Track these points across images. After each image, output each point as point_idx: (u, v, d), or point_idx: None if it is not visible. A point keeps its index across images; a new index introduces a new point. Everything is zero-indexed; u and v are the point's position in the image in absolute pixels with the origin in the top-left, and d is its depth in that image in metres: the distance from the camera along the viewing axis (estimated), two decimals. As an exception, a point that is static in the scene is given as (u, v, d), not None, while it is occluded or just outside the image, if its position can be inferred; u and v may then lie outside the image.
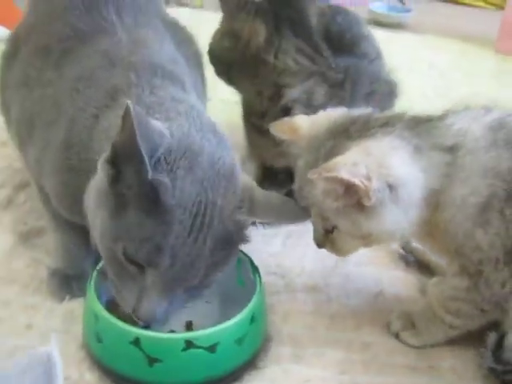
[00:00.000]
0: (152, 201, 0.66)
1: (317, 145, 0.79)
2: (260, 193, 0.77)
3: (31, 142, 0.90)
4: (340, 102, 1.07)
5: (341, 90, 1.07)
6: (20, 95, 0.94)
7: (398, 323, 0.87)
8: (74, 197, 0.81)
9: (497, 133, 0.77)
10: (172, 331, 0.82)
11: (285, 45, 1.04)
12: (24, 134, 0.92)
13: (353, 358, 0.82)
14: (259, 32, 1.03)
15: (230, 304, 0.85)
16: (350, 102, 1.08)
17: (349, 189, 0.72)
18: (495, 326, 0.80)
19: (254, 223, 0.79)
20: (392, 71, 1.19)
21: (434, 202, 0.76)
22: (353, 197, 0.73)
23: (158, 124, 0.70)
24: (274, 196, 0.79)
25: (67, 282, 0.90)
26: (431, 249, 0.83)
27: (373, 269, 0.98)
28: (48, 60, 0.90)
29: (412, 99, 1.63)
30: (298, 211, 0.79)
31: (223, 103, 1.22)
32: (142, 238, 0.67)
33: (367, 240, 0.79)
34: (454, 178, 0.75)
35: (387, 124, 0.78)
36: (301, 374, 0.79)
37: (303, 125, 0.83)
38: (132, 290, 0.70)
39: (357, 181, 0.71)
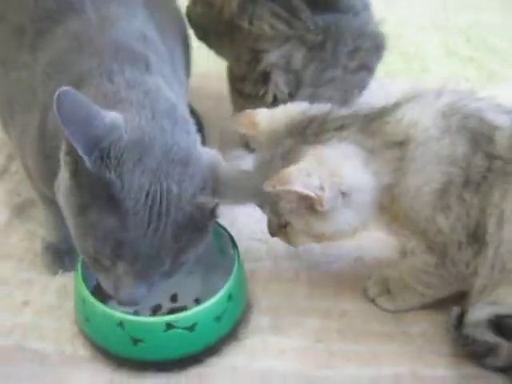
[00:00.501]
0: (105, 197, 0.69)
1: (274, 142, 0.81)
2: (226, 171, 0.77)
3: (12, 124, 0.92)
4: (321, 64, 1.07)
5: (321, 51, 1.06)
6: None
7: (375, 289, 0.91)
8: (50, 178, 0.82)
9: (449, 119, 0.78)
10: (158, 304, 0.88)
11: (259, 10, 1.02)
12: (6, 115, 0.94)
13: (329, 327, 0.87)
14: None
15: (212, 274, 0.91)
16: (331, 63, 1.07)
17: (304, 196, 0.75)
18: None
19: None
20: (381, 22, 1.17)
21: (390, 195, 0.78)
22: (306, 202, 0.75)
23: (110, 115, 0.71)
24: (241, 173, 0.80)
25: (60, 257, 0.94)
26: (394, 233, 0.86)
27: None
28: (23, 41, 0.90)
29: (410, 33, 1.61)
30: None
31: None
32: (104, 234, 0.70)
33: (319, 238, 0.82)
34: (405, 171, 0.77)
35: (342, 127, 0.79)
36: (278, 345, 0.84)
37: (263, 119, 0.84)
38: (109, 280, 0.74)
39: (310, 192, 0.73)
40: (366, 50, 1.11)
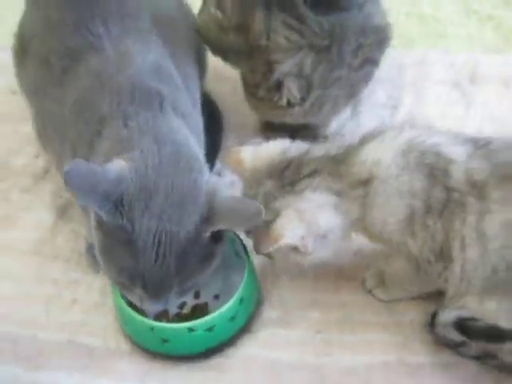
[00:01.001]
0: (121, 239, 0.82)
1: (256, 181, 0.92)
2: (222, 201, 0.87)
3: (49, 149, 1.04)
4: (328, 65, 1.12)
5: (327, 53, 1.11)
6: (32, 102, 1.05)
7: (372, 280, 1.04)
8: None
9: (408, 156, 0.87)
10: (183, 301, 1.03)
11: (274, 23, 1.07)
12: (43, 139, 1.06)
13: (329, 318, 1.01)
14: (259, 20, 1.07)
15: (231, 273, 1.04)
16: (337, 63, 1.13)
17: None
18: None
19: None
20: (387, 12, 1.20)
21: (361, 225, 0.91)
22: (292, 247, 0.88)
23: (115, 169, 0.82)
24: (236, 201, 0.90)
25: (98, 257, 1.10)
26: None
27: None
28: (51, 75, 1.00)
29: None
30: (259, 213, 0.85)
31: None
32: (121, 268, 0.85)
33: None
34: (370, 205, 0.88)
35: (315, 173, 0.89)
36: (284, 337, 0.99)
37: (247, 157, 0.95)
38: (133, 297, 0.90)
39: (298, 244, 0.86)
40: (369, 45, 1.14)
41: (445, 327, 0.92)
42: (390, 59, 1.34)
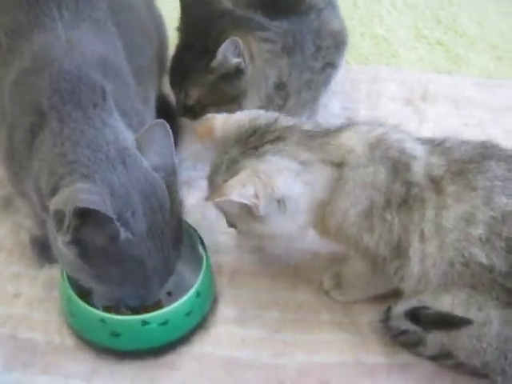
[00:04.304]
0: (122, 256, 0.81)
1: (223, 149, 0.91)
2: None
3: None
4: (298, 68, 1.13)
5: (294, 55, 1.12)
6: None
7: (330, 282, 1.03)
8: (23, 192, 0.93)
9: (375, 149, 0.88)
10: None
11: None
12: None
13: (286, 318, 0.99)
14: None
15: (183, 269, 0.98)
16: (303, 66, 1.14)
17: (243, 204, 0.85)
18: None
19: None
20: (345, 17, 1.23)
21: (322, 211, 0.89)
22: (246, 208, 0.86)
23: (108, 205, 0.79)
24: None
25: (45, 249, 1.01)
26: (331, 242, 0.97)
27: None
28: None
29: (380, 10, 1.65)
30: None
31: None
32: (132, 284, 0.85)
33: (261, 237, 0.95)
34: (339, 192, 0.88)
35: (278, 139, 0.88)
36: (240, 335, 0.96)
37: (217, 126, 0.93)
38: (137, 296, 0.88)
39: (245, 201, 0.84)
40: (327, 48, 1.17)
41: (398, 319, 0.91)
42: (345, 74, 1.38)
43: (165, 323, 0.90)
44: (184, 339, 0.94)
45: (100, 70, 0.91)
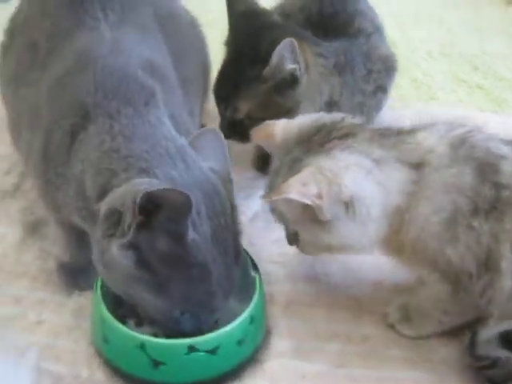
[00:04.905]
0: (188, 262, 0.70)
1: (284, 151, 0.81)
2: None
3: (19, 142, 0.91)
4: (349, 89, 1.07)
5: (345, 75, 1.07)
6: (10, 91, 0.94)
7: (396, 314, 0.90)
8: (55, 204, 0.84)
9: (457, 149, 0.78)
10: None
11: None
12: (14, 132, 0.93)
13: (350, 351, 0.86)
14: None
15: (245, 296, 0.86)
16: (355, 87, 1.08)
17: (306, 206, 0.75)
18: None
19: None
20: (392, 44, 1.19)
21: (398, 220, 0.78)
22: (310, 212, 0.76)
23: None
24: None
25: (74, 276, 0.92)
26: (403, 263, 0.85)
27: (372, 257, 0.99)
28: (36, 58, 0.90)
29: (418, 60, 1.63)
30: None
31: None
32: (194, 298, 0.73)
33: (328, 249, 0.82)
34: (419, 197, 0.77)
35: (347, 136, 0.79)
36: (299, 370, 0.83)
37: (278, 131, 0.84)
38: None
39: (307, 200, 0.73)
40: (378, 72, 1.12)
41: (488, 344, 0.78)
42: (389, 111, 1.32)
43: (214, 351, 0.77)
44: (234, 373, 0.80)
45: (147, 71, 0.84)
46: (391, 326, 0.89)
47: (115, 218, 0.71)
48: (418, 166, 0.78)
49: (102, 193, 0.74)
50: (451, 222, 0.76)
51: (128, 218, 0.69)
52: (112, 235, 0.71)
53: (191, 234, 0.69)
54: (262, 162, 1.17)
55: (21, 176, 1.11)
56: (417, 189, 0.77)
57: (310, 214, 0.76)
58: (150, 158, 0.73)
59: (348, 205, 0.76)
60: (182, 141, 0.78)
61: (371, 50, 1.12)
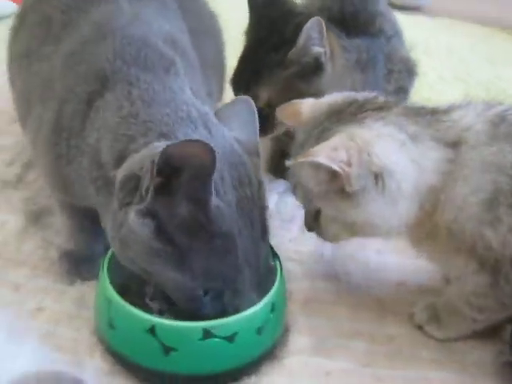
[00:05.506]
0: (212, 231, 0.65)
1: (311, 126, 0.77)
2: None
3: (28, 120, 0.86)
4: (370, 87, 1.03)
5: (367, 72, 1.04)
6: (21, 68, 0.90)
7: (423, 315, 0.84)
8: (65, 183, 0.79)
9: (497, 127, 0.74)
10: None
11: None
12: (23, 110, 0.88)
13: (376, 350, 0.79)
14: None
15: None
16: (376, 86, 1.04)
17: (332, 175, 0.70)
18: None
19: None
20: (411, 49, 1.17)
21: (433, 200, 0.73)
22: (336, 183, 0.71)
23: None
24: None
25: (77, 265, 0.87)
26: (432, 254, 0.79)
27: (394, 257, 0.94)
28: (49, 32, 0.86)
29: (430, 82, 1.61)
30: None
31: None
32: (218, 273, 0.67)
33: (352, 229, 0.76)
34: (456, 176, 0.72)
35: (381, 108, 0.75)
36: (321, 367, 0.76)
37: (305, 108, 0.80)
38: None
39: (335, 166, 0.68)
40: (399, 72, 1.10)
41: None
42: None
43: (231, 338, 0.70)
44: (252, 367, 0.73)
45: (168, 44, 0.81)
46: (418, 327, 0.83)
47: (133, 184, 0.65)
48: (454, 144, 0.74)
49: (120, 159, 0.69)
50: (492, 202, 0.71)
51: (146, 181, 0.63)
52: (129, 203, 0.66)
53: (215, 201, 0.64)
54: (276, 163, 1.14)
55: (24, 167, 1.07)
56: (453, 168, 0.73)
57: (337, 184, 0.71)
58: (171, 122, 0.69)
59: (378, 177, 0.71)
60: (206, 109, 0.73)
61: (392, 51, 1.09)
